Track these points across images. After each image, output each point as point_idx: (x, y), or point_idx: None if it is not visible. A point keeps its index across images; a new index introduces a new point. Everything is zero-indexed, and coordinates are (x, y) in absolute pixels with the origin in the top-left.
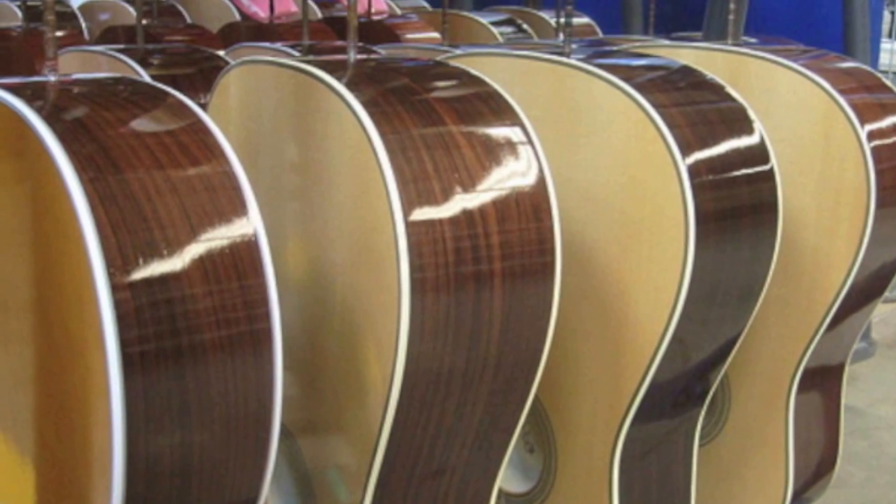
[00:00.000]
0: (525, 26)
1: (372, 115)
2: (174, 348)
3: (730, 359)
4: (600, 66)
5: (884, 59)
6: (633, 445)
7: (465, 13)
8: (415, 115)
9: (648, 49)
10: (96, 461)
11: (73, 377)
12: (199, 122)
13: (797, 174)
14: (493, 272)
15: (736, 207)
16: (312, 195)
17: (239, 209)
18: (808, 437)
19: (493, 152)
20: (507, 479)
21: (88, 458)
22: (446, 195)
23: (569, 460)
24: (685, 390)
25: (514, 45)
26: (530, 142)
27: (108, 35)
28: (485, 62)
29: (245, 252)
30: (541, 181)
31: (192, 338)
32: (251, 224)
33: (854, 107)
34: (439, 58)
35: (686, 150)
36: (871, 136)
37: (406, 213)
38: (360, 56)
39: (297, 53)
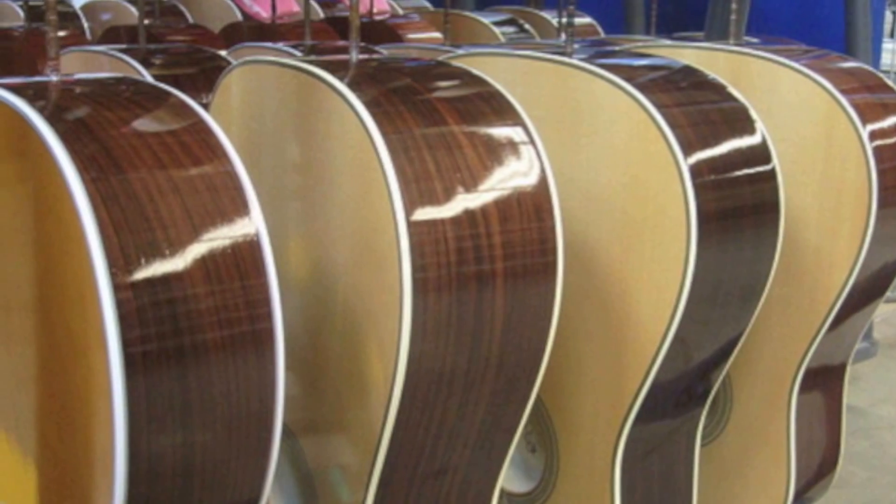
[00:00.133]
0: (527, 26)
1: (374, 115)
2: (176, 348)
3: (732, 359)
4: (602, 66)
5: (885, 59)
6: (635, 445)
7: (467, 13)
8: (417, 115)
9: (650, 49)
10: (98, 461)
11: (75, 377)
12: (201, 122)
13: (799, 174)
14: (495, 272)
15: (738, 207)
16: (314, 195)
17: (241, 209)
18: (809, 437)
19: (495, 152)
20: (508, 478)
21: (90, 458)
22: (448, 195)
23: (571, 460)
24: (687, 390)
25: (516, 45)
26: (532, 142)
27: (110, 35)
28: (487, 62)
29: (247, 252)
30: (543, 181)
31: (194, 338)
32: (253, 224)
33: (856, 107)
34: (441, 58)
35: (688, 149)
36: (873, 135)
37: (408, 212)
38: (362, 56)
39: (299, 53)
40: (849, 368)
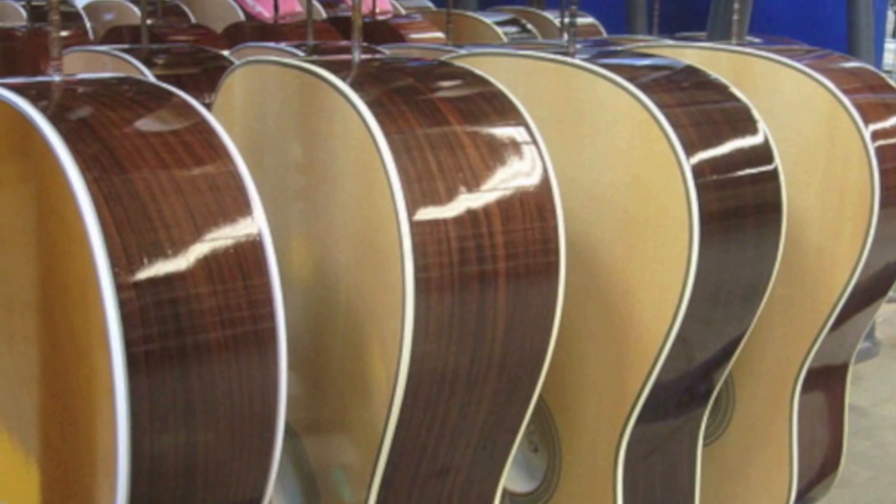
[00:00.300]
0: (529, 26)
1: (376, 114)
2: (179, 348)
3: (734, 359)
4: (605, 65)
5: (887, 59)
6: (638, 445)
7: (470, 13)
8: (419, 114)
9: (653, 49)
10: (101, 461)
11: (77, 377)
12: (204, 121)
13: (801, 174)
14: (498, 272)
15: (740, 207)
16: (317, 195)
17: (243, 209)
18: (812, 437)
19: (498, 152)
20: (511, 478)
21: (93, 457)
22: (451, 195)
23: (573, 460)
24: (689, 390)
25: (518, 44)
26: (534, 142)
27: (113, 35)
28: (489, 62)
29: (250, 252)
30: (545, 181)
31: (197, 337)
32: (256, 224)
33: (858, 107)
34: (444, 58)
35: (690, 149)
36: (875, 135)
37: (410, 212)
38: (364, 56)
39: (301, 53)
40: (851, 368)
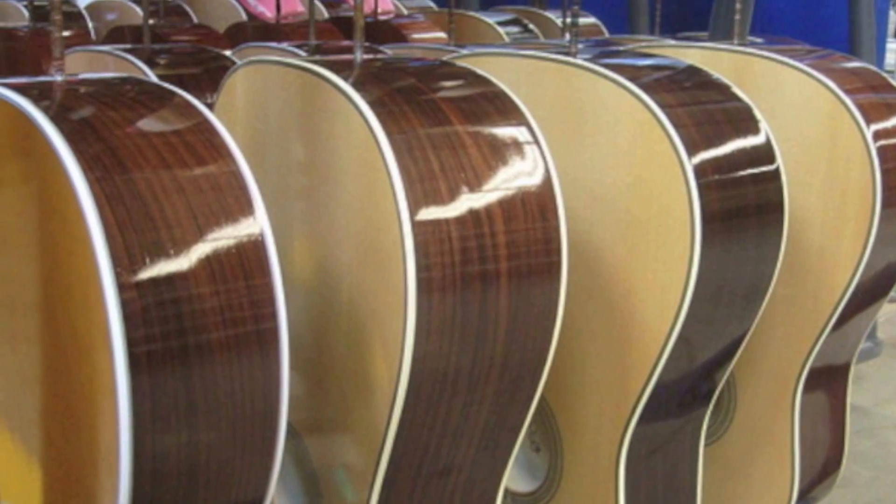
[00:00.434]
0: (531, 26)
1: (378, 114)
2: (181, 348)
3: (736, 358)
4: (606, 66)
5: (889, 59)
6: (640, 445)
7: (472, 13)
8: (421, 114)
9: (654, 49)
10: (103, 461)
11: (79, 377)
12: (206, 121)
13: (803, 174)
14: (500, 272)
15: (742, 207)
16: (319, 195)
17: (245, 209)
18: (813, 437)
19: (500, 152)
20: (513, 478)
21: (95, 457)
22: (453, 195)
23: (575, 459)
24: (691, 390)
25: (520, 45)
26: (536, 142)
27: (115, 35)
28: (491, 62)
29: (252, 252)
30: (547, 181)
31: (199, 337)
32: (258, 224)
33: (860, 107)
34: (445, 58)
35: (692, 149)
36: (877, 135)
37: (412, 212)
38: (366, 56)
39: (303, 53)
40: (853, 368)
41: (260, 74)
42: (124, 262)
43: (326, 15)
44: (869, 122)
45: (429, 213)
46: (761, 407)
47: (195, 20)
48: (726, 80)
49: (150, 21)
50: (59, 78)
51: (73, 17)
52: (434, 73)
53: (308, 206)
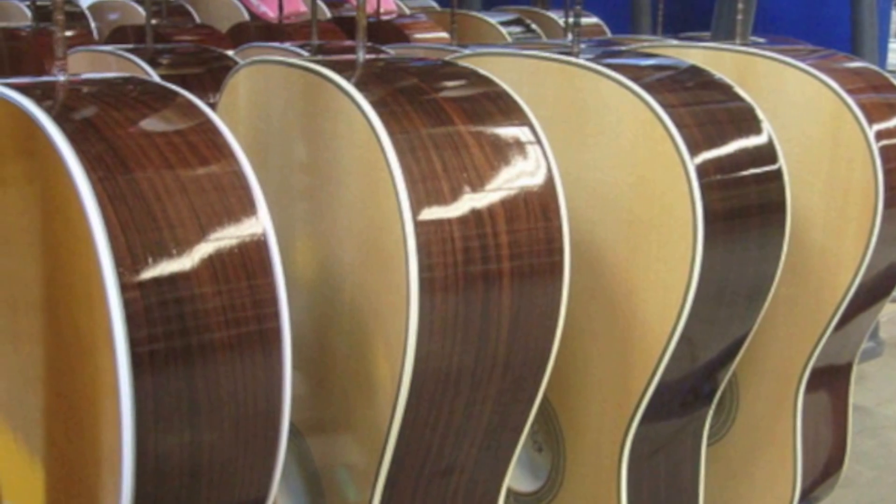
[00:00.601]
0: (534, 26)
1: (381, 114)
2: (183, 347)
3: (738, 358)
4: (609, 66)
5: (892, 59)
6: (642, 444)
7: (474, 13)
8: (423, 114)
9: (657, 49)
10: (105, 460)
11: (82, 376)
12: (209, 121)
13: (805, 174)
14: (502, 272)
15: (744, 207)
16: (321, 195)
17: (248, 209)
18: (816, 437)
19: (502, 152)
20: (515, 478)
21: (98, 457)
22: (455, 195)
23: (577, 459)
24: (693, 390)
25: (522, 45)
26: (539, 141)
27: (118, 35)
28: (493, 62)
29: (254, 251)
30: (549, 181)
31: (202, 337)
32: (260, 223)
33: (862, 106)
34: (448, 58)
35: (694, 149)
36: (880, 135)
37: (415, 212)
38: (369, 56)
39: (306, 53)
40: (855, 368)
41: (262, 74)
42: (127, 262)
43: (329, 15)
44: (871, 122)
45: (431, 213)
46: (763, 407)
47: (198, 20)
48: (728, 80)
49: (153, 21)
50: (61, 78)
51: (76, 17)
52: (436, 73)
53: (310, 205)
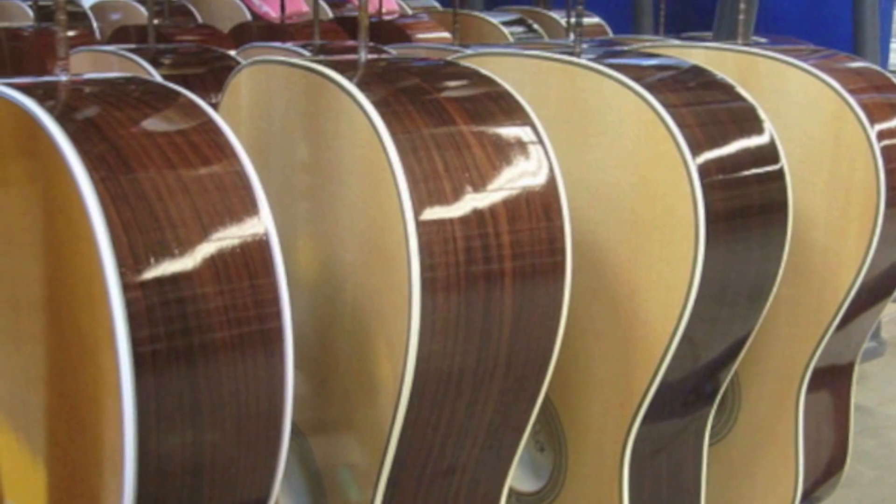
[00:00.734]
0: (536, 26)
1: (383, 114)
2: (185, 347)
3: (740, 358)
4: (611, 65)
5: (893, 59)
6: (644, 444)
7: (476, 13)
8: (425, 114)
9: (659, 49)
10: (108, 460)
11: (84, 376)
12: (211, 121)
13: (807, 174)
14: (504, 271)
15: (746, 207)
16: (323, 195)
17: (250, 208)
18: (817, 436)
19: (504, 152)
20: (517, 477)
21: (100, 456)
22: (457, 195)
23: (579, 459)
24: (695, 389)
25: (524, 44)
26: (541, 141)
27: (120, 35)
28: (495, 62)
29: (256, 251)
30: (551, 181)
31: (204, 337)
32: (262, 223)
33: (864, 106)
34: (450, 57)
35: (696, 149)
36: (881, 135)
37: (417, 212)
38: (370, 56)
39: (308, 53)
40: (857, 368)
41: (264, 74)
42: (129, 262)
43: (331, 15)
44: (873, 121)
45: (433, 213)
46: (765, 406)
47: (200, 20)
48: (730, 80)
49: (155, 21)
50: (63, 78)
51: (78, 17)
52: (438, 72)
53: (312, 205)
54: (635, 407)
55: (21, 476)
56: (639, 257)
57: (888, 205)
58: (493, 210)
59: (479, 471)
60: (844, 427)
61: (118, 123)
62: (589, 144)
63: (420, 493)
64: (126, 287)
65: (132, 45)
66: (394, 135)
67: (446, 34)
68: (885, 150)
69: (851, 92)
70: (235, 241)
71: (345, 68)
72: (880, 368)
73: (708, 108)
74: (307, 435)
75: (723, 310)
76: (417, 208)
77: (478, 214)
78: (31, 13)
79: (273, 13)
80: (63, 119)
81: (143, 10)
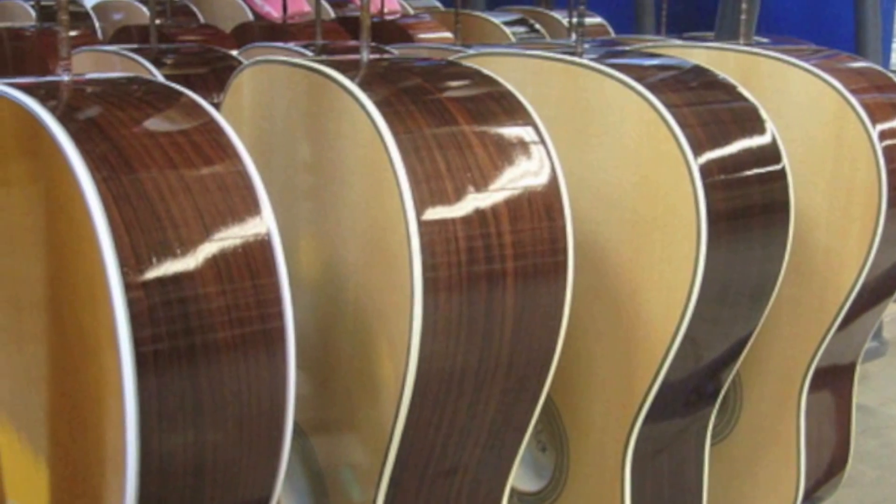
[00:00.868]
0: (537, 26)
1: (385, 114)
2: (187, 347)
3: (741, 358)
4: (613, 65)
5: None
6: (645, 444)
7: (478, 13)
8: (427, 114)
9: (661, 49)
10: (110, 460)
11: (86, 376)
12: (213, 121)
13: (809, 174)
14: (506, 271)
15: (748, 207)
16: (325, 194)
17: (252, 208)
18: (819, 436)
19: (506, 152)
20: (519, 477)
21: (102, 456)
22: (459, 194)
23: (581, 459)
24: (697, 389)
25: (526, 44)
26: (543, 141)
27: (122, 35)
28: (497, 62)
29: (258, 251)
30: (553, 181)
31: (206, 337)
32: (264, 223)
33: (866, 106)
34: (452, 57)
35: (698, 149)
36: (883, 135)
37: (419, 212)
38: (372, 56)
39: (310, 53)
40: (858, 368)
41: (266, 74)
42: (131, 262)
43: (333, 15)
44: (875, 122)
45: (435, 213)
46: (767, 406)
47: (202, 20)
48: (732, 80)
49: (157, 21)
50: (65, 78)
51: (80, 17)
52: (440, 72)
53: (314, 205)
54: (637, 407)
55: (23, 476)
56: (640, 257)
57: (890, 205)
58: (495, 210)
59: (481, 471)
60: (846, 427)
61: (120, 123)
62: (591, 144)
63: (422, 493)
64: (128, 287)
65: (134, 45)
66: (396, 135)
67: (448, 34)
68: (887, 150)
69: (853, 92)
70: (237, 241)
71: (347, 68)
72: (882, 368)
73: (710, 108)
74: (309, 435)
75: (724, 310)
76: (419, 208)
77: (480, 214)
78: (33, 13)
79: (275, 13)
80: (65, 119)
81: (145, 10)
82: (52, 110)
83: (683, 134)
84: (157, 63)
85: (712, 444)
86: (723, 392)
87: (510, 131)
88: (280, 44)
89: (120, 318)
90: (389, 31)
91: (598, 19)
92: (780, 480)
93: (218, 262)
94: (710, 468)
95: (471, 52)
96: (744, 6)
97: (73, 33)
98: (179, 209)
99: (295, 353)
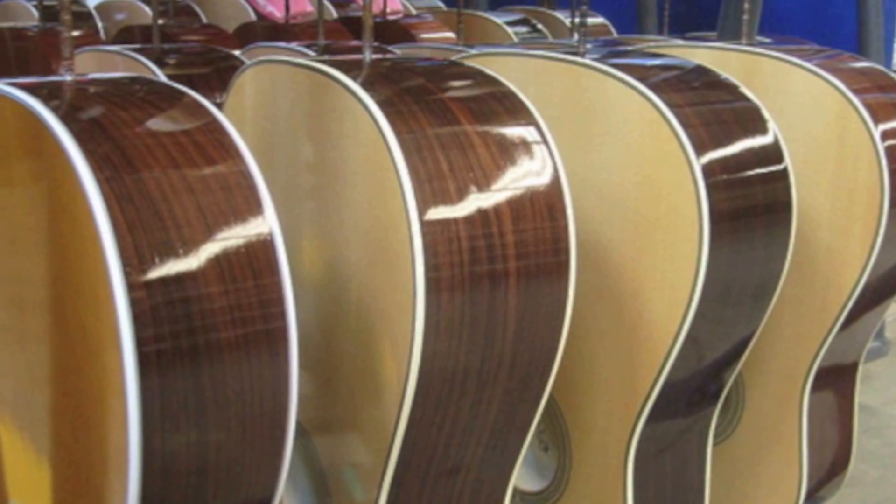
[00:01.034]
0: (540, 26)
1: (387, 114)
2: (190, 347)
3: (744, 358)
4: (615, 65)
5: None
6: (648, 444)
7: (480, 13)
8: (430, 114)
9: (663, 49)
10: (112, 459)
11: (89, 376)
12: (215, 121)
13: (811, 174)
14: (508, 271)
15: (750, 207)
16: (328, 194)
17: (254, 208)
18: (821, 436)
19: (508, 152)
20: (521, 477)
21: (104, 456)
22: (461, 194)
23: (583, 459)
24: (699, 389)
25: (528, 44)
26: (545, 141)
27: (125, 35)
28: (500, 62)
29: (261, 251)
30: (555, 181)
31: (208, 336)
32: (267, 223)
33: (868, 106)
34: (454, 57)
35: (700, 149)
36: (885, 135)
37: (421, 212)
38: (375, 56)
39: (312, 53)
40: (861, 367)
41: (269, 74)
42: (134, 262)
43: (335, 15)
44: (877, 121)
45: (437, 213)
46: (769, 406)
47: (204, 20)
48: (734, 80)
49: (160, 21)
50: (68, 78)
51: (83, 17)
52: (443, 72)
53: (317, 205)
54: (639, 406)
55: (26, 475)
56: (643, 257)
57: (892, 204)
58: (497, 210)
59: (484, 470)
60: (848, 427)
61: (123, 123)
62: (593, 144)
63: (424, 493)
64: (131, 287)
65: (137, 45)
66: (398, 135)
67: (450, 34)
68: (889, 150)
69: (855, 92)
70: (240, 241)
71: (349, 68)
72: (884, 368)
73: (712, 108)
74: (312, 434)
75: (727, 309)
76: (422, 208)
77: (482, 214)
78: (35, 13)
79: (277, 13)
80: (68, 119)
81: (147, 10)
82: (55, 110)
83: (686, 134)
84: (160, 63)
85: (715, 444)
86: (725, 392)
87: (512, 131)
88: (282, 44)
89: (122, 317)
90: (392, 31)
91: (600, 19)
92: (782, 480)
93: (220, 262)
94: (712, 468)
95: (473, 52)
96: (746, 6)
97: (75, 33)
98: (182, 209)
99: (297, 353)
